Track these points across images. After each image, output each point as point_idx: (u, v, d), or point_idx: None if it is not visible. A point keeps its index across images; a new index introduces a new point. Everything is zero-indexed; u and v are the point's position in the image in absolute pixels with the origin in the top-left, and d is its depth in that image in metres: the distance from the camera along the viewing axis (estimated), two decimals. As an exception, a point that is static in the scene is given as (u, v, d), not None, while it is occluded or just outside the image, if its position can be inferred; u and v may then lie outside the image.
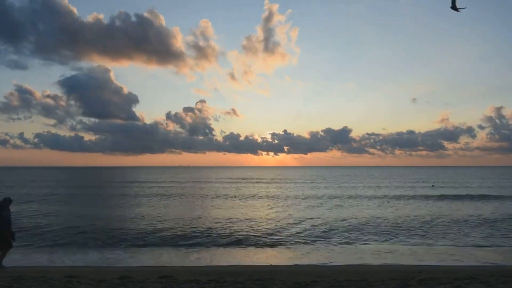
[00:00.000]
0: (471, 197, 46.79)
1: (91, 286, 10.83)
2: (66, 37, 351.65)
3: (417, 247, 19.59)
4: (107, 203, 41.95)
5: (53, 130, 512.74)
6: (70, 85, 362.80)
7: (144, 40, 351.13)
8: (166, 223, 26.82)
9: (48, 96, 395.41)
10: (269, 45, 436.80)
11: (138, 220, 28.57)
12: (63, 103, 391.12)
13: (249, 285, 11.10)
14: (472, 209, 35.41)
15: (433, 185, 71.02)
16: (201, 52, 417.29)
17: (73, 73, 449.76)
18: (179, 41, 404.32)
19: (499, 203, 40.79)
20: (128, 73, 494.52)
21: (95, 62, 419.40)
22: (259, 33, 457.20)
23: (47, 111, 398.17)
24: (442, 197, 46.58)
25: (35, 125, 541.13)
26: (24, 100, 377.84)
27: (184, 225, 25.89)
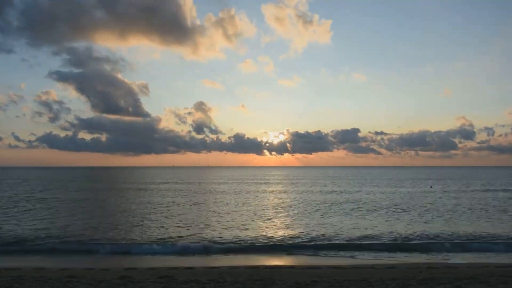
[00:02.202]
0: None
1: (91, 286, 10.83)
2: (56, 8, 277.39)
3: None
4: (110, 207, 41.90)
5: (46, 128, 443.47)
6: (64, 76, 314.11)
7: (150, 11, 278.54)
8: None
9: (39, 93, 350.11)
10: (300, 15, 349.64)
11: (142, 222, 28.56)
12: (55, 97, 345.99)
13: (249, 285, 11.10)
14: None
15: (431, 186, 71.14)
16: (219, 24, 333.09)
17: (67, 57, 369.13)
18: (193, 12, 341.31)
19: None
20: (131, 56, 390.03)
21: (90, 40, 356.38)
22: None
23: (37, 106, 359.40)
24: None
25: (22, 121, 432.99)
26: (9, 93, 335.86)
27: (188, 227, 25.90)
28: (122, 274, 12.52)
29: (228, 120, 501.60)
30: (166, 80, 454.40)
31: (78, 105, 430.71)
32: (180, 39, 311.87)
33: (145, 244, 20.15)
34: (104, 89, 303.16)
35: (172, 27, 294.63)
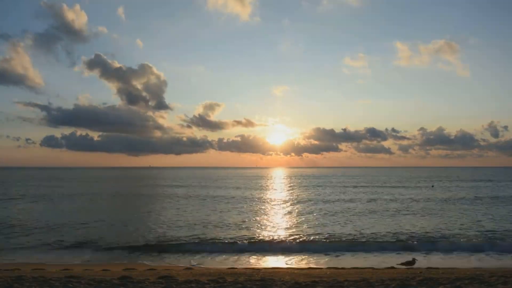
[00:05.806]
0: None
1: (91, 286, 10.82)
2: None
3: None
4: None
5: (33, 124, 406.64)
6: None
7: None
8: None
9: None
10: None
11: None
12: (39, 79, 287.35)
13: (249, 285, 11.10)
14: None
15: (432, 186, 71.21)
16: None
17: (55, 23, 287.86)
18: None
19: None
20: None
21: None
22: None
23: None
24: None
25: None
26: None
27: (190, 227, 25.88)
28: (122, 274, 12.51)
29: (239, 117, 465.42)
30: (174, 64, 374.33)
31: (70, 94, 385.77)
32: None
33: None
34: (102, 77, 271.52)
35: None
